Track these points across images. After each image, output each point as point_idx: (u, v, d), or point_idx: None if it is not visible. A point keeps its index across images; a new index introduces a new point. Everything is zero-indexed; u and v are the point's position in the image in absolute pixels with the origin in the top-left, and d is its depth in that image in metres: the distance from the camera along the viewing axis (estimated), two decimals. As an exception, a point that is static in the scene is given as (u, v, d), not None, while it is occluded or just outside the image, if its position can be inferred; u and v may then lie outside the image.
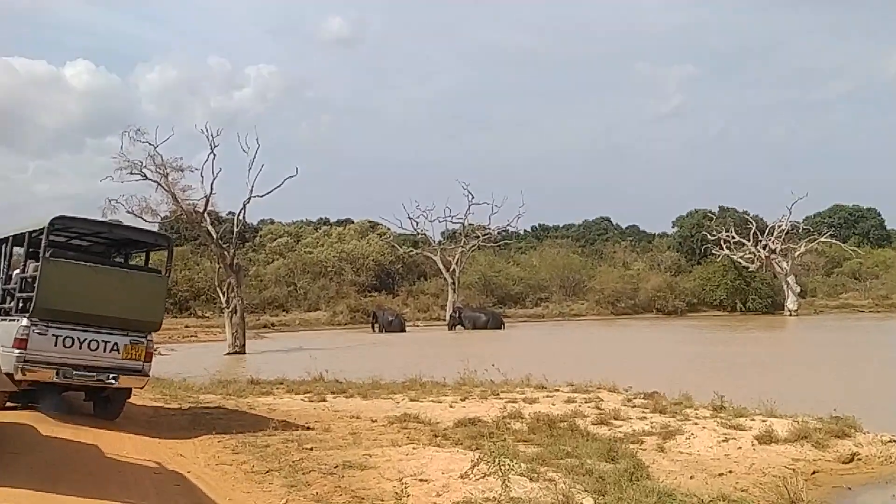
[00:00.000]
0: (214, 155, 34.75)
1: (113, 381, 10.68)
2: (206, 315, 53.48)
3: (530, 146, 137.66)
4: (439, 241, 62.47)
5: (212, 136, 34.90)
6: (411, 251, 63.57)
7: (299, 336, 44.84)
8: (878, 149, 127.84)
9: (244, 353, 33.55)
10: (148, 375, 11.12)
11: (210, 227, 34.99)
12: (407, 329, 48.30)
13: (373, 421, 12.32)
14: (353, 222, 79.40)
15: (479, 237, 59.32)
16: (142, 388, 11.60)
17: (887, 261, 71.31)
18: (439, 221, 61.46)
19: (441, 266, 57.53)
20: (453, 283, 55.80)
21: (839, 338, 38.13)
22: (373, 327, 48.14)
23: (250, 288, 54.81)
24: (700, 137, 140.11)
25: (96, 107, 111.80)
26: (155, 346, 11.39)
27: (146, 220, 33.73)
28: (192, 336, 43.02)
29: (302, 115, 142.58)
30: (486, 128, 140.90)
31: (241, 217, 36.48)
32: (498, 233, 62.43)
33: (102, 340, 10.65)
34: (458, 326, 48.90)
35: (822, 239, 64.04)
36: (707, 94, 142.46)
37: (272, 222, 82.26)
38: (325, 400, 14.80)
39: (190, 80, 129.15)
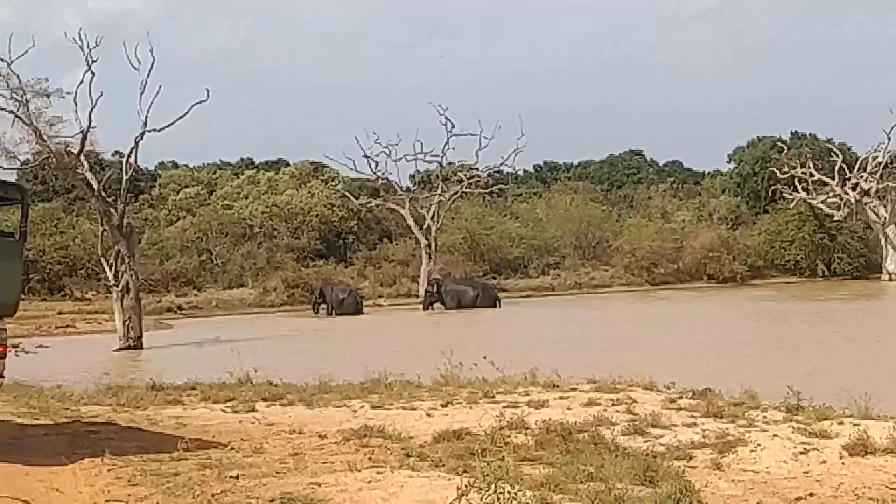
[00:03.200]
0: (93, 74, 34.43)
1: (-46, 388, 10.65)
2: (88, 297, 53.22)
3: (532, 52, 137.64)
4: (408, 188, 62.40)
5: (89, 47, 34.54)
6: (370, 202, 63.47)
7: (217, 323, 44.83)
8: None
9: (141, 347, 33.53)
10: (2, 377, 11.08)
11: (89, 175, 34.70)
12: (365, 310, 48.37)
13: (321, 437, 12.32)
14: (288, 164, 79.06)
15: (462, 181, 59.27)
16: None
17: None
18: (407, 161, 60.95)
19: (411, 222, 57.50)
20: (428, 246, 55.81)
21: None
22: (315, 308, 48.18)
23: (147, 258, 54.56)
24: (763, 37, 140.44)
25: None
26: (9, 338, 11.32)
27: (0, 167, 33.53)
28: (67, 326, 42.85)
29: (215, 18, 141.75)
30: (468, 25, 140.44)
31: (132, 160, 36.20)
32: (489, 175, 62.33)
33: None
34: (437, 305, 49.04)
35: (934, 174, 64.41)
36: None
37: (176, 166, 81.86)
38: (254, 410, 14.79)
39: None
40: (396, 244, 64.64)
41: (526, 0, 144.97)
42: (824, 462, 10.74)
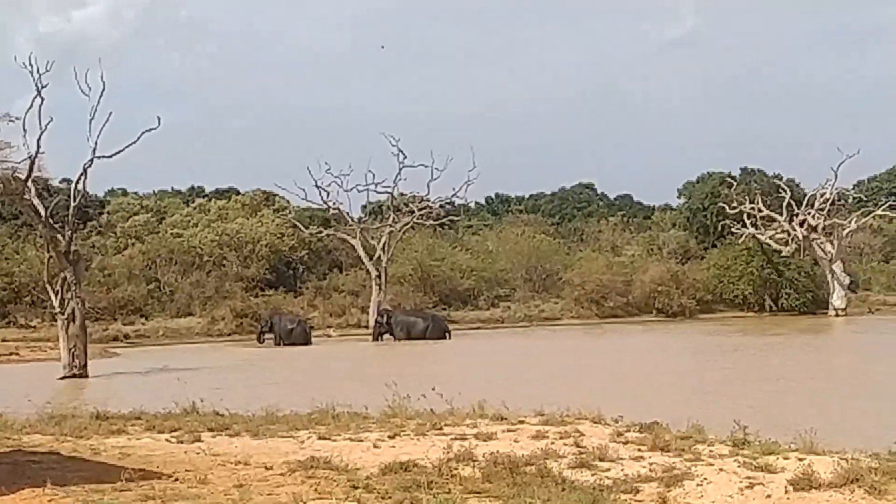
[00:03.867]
0: (42, 99, 34.05)
1: None
2: (32, 324, 52.66)
3: (485, 87, 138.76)
4: (359, 219, 62.27)
5: (38, 71, 34.28)
6: (321, 232, 63.32)
7: (164, 351, 44.48)
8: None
9: (86, 376, 33.15)
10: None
11: (36, 201, 34.42)
12: (314, 340, 48.19)
13: (267, 468, 12.27)
14: (239, 193, 78.80)
15: (413, 212, 59.31)
16: None
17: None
18: (359, 191, 60.72)
19: (362, 252, 57.43)
20: (379, 276, 55.77)
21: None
22: (260, 338, 47.91)
23: (95, 285, 54.09)
24: (718, 75, 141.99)
25: None
26: None
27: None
28: (11, 354, 42.38)
29: (172, 45, 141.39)
30: (424, 62, 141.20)
31: (80, 186, 35.95)
32: (440, 206, 62.40)
33: None
34: (387, 336, 48.94)
35: (880, 212, 65.40)
36: (730, 16, 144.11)
37: (125, 193, 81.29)
38: (199, 440, 14.70)
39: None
40: (346, 274, 64.41)
41: (486, 40, 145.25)
42: (769, 497, 10.82)
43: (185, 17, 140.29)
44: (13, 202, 36.33)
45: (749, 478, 11.35)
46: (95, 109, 34.24)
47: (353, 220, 60.40)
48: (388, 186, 59.53)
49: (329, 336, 52.71)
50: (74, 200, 34.96)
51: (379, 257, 56.43)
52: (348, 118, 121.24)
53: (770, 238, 63.44)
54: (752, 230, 63.55)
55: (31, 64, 34.20)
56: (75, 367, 33.20)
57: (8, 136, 35.19)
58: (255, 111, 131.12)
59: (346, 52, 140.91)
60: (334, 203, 60.22)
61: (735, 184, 68.54)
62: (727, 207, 65.19)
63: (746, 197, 65.01)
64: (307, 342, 47.21)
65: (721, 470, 11.70)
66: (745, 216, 63.97)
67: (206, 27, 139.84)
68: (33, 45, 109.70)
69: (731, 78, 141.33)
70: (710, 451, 12.76)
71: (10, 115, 34.84)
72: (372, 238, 58.20)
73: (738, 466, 11.80)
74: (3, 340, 45.99)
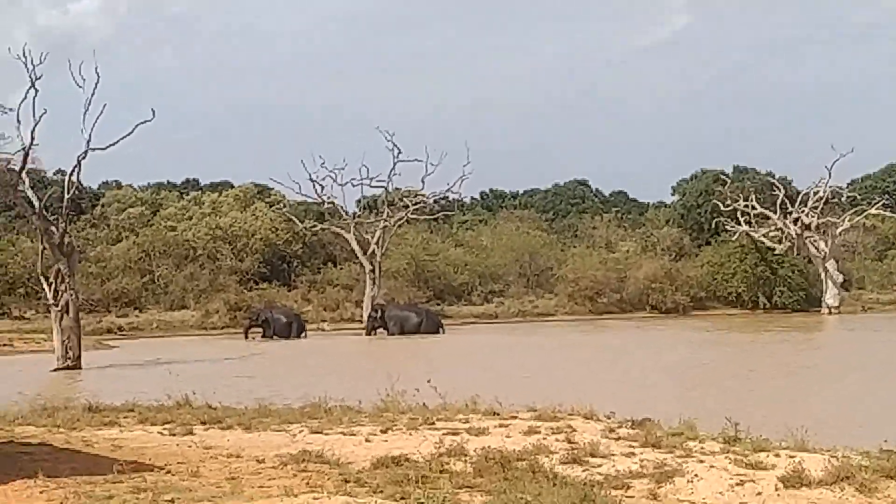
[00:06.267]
0: (37, 91, 34.04)
1: None
2: (26, 316, 52.70)
3: (480, 83, 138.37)
4: (354, 213, 62.24)
5: (33, 63, 34.23)
6: (315, 226, 63.28)
7: (158, 344, 44.48)
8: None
9: (79, 368, 33.19)
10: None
11: (30, 192, 34.41)
12: (308, 334, 48.18)
13: (259, 461, 12.28)
14: (232, 186, 78.67)
15: (408, 207, 59.28)
16: None
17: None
18: (353, 185, 60.69)
19: (356, 247, 57.37)
20: (373, 271, 55.72)
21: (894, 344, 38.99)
22: (246, 334, 47.78)
23: (88, 277, 54.09)
24: (710, 73, 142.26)
25: None
26: None
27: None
28: (5, 345, 42.37)
29: (165, 38, 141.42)
30: (419, 60, 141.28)
31: (74, 178, 35.90)
32: (435, 202, 62.44)
33: None
34: (380, 330, 48.93)
35: (873, 210, 65.43)
36: (721, 14, 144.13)
37: (119, 186, 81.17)
38: (192, 433, 14.70)
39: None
40: (341, 269, 64.47)
41: (483, 37, 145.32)
42: (760, 494, 10.82)
43: (176, 12, 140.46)
44: (7, 193, 36.17)
45: (740, 475, 11.36)
46: (90, 102, 34.30)
47: (347, 214, 60.38)
48: (383, 181, 59.60)
49: (323, 330, 52.72)
50: (68, 192, 34.87)
51: (373, 252, 56.38)
52: (343, 114, 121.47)
53: (764, 236, 63.50)
54: (745, 228, 63.63)
55: (25, 56, 34.22)
56: (69, 358, 33.19)
57: (2, 128, 35.30)
58: (250, 105, 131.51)
59: (342, 48, 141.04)
60: (329, 197, 60.30)
61: (729, 181, 68.58)
62: (721, 205, 65.21)
63: (740, 194, 65.05)
64: (301, 336, 47.22)
65: (712, 467, 11.71)
66: (738, 214, 64.07)
67: (197, 23, 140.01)
68: (31, 38, 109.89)
69: (724, 76, 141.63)
70: (702, 447, 12.76)
71: (3, 106, 34.85)
72: (366, 233, 58.14)
73: (729, 463, 11.81)
74: (-3, 332, 45.99)
